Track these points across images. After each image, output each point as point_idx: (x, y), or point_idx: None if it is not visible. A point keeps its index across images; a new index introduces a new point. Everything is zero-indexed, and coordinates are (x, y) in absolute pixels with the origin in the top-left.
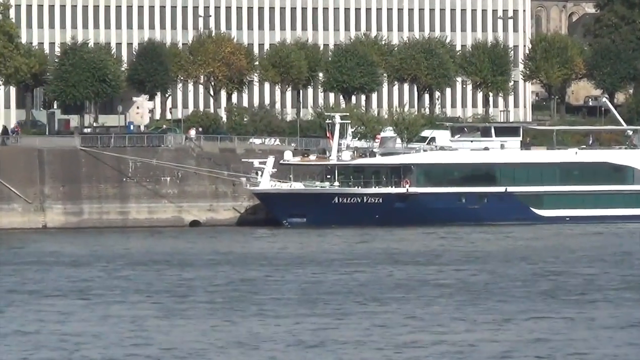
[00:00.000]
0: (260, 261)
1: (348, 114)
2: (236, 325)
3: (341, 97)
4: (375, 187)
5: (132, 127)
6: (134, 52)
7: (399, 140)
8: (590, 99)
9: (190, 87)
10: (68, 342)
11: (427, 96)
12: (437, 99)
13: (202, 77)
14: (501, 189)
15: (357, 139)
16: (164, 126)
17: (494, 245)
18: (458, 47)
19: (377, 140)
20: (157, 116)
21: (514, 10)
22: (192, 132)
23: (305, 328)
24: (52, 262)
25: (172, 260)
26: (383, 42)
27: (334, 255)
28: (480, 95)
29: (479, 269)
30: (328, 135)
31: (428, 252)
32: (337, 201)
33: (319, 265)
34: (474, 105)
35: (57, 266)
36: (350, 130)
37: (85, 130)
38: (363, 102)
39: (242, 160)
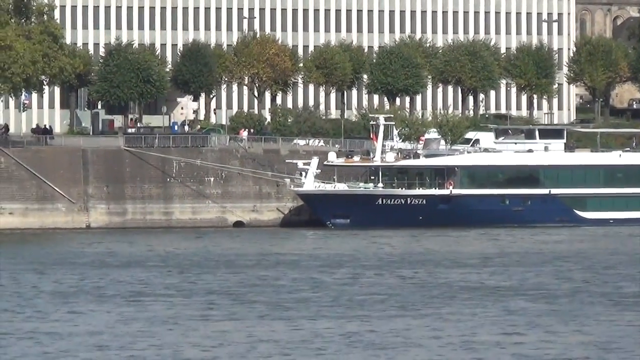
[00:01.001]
0: (318, 262)
1: (392, 115)
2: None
3: (385, 98)
4: (418, 188)
5: (176, 127)
6: (179, 53)
7: (442, 142)
8: (634, 102)
9: (235, 88)
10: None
11: (471, 98)
12: (482, 101)
13: (246, 78)
14: (545, 191)
15: (401, 140)
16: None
17: (567, 245)
18: (502, 50)
19: (421, 142)
20: (202, 116)
21: (558, 14)
22: (244, 134)
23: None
24: (111, 263)
25: (236, 261)
26: (427, 45)
27: (400, 257)
28: (524, 98)
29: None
30: (372, 136)
31: (499, 254)
32: (380, 202)
33: (387, 267)
34: (518, 107)
35: (117, 268)
36: (394, 132)
37: (129, 130)
38: (407, 104)
39: (286, 161)
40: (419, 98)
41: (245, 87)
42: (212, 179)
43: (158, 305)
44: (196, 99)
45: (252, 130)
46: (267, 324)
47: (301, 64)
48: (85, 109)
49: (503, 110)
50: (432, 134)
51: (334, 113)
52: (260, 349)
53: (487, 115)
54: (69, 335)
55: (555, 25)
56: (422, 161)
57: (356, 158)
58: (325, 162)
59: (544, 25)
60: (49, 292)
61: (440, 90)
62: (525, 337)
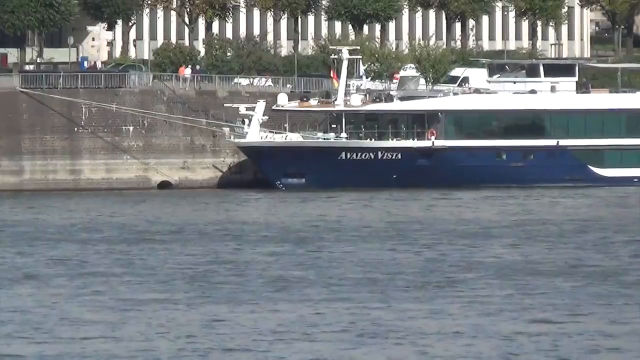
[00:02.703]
0: (283, 233)
1: (358, 47)
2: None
3: (350, 26)
4: (392, 139)
5: (86, 63)
6: None
7: (422, 80)
8: None
9: (160, 14)
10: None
11: (458, 26)
12: (471, 30)
13: (174, 1)
14: (552, 142)
15: (369, 79)
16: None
17: (591, 210)
18: None
19: (395, 81)
20: (118, 50)
21: None
22: (187, 71)
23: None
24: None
25: (164, 231)
26: None
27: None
28: (525, 25)
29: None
30: (333, 74)
31: (512, 222)
32: (344, 157)
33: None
34: (518, 37)
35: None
36: (361, 68)
37: (27, 67)
38: (378, 33)
39: (225, 105)
40: (392, 26)
41: (173, 13)
42: (131, 128)
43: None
44: (111, 27)
45: (197, 67)
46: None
47: None
48: None
49: (499, 41)
50: (409, 70)
51: (285, 45)
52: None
53: (478, 48)
54: None
55: None
56: (397, 105)
57: (313, 101)
58: (274, 107)
59: None
60: None
61: (419, 15)
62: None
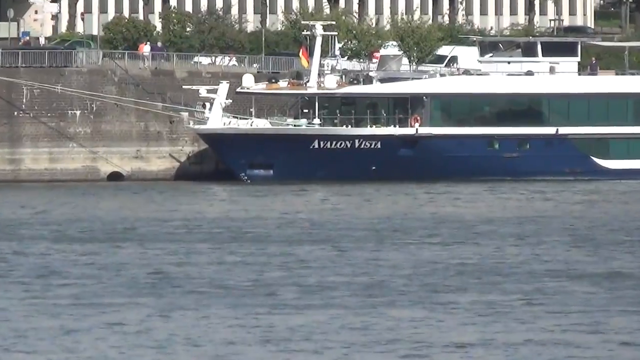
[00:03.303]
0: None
1: (334, 22)
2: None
3: None
4: (371, 126)
5: (27, 39)
6: None
7: (405, 60)
8: None
9: None
10: None
11: None
12: (461, 3)
13: None
14: (550, 130)
15: (346, 58)
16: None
17: (609, 206)
18: None
19: (374, 61)
20: (64, 25)
21: None
22: (146, 49)
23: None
24: None
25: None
26: None
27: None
28: None
29: None
30: (304, 53)
31: (521, 218)
32: (317, 146)
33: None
34: (513, 12)
35: None
36: (337, 46)
37: None
38: (355, 7)
39: (184, 87)
40: None
41: None
42: (77, 112)
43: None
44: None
45: (159, 44)
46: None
47: None
48: None
49: (491, 17)
50: (391, 49)
51: (251, 20)
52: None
53: (468, 24)
54: None
55: None
56: (376, 88)
57: (282, 83)
58: (238, 89)
59: None
60: None
61: None
62: None
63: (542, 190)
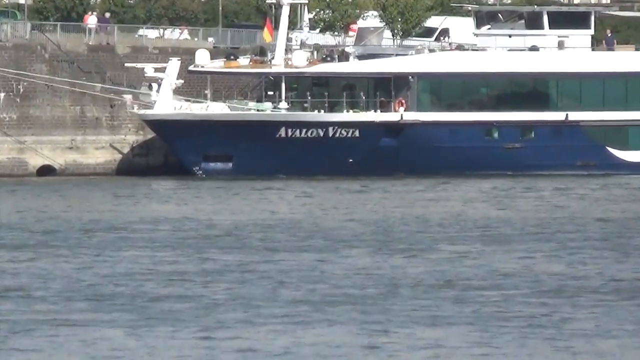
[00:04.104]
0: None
1: None
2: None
3: None
4: (347, 111)
5: None
6: None
7: (387, 33)
8: None
9: None
10: None
11: None
12: None
13: None
14: (559, 116)
15: (318, 31)
16: None
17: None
18: None
19: (351, 34)
20: None
21: None
22: (92, 20)
23: None
24: None
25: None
26: None
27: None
28: None
29: None
30: (269, 25)
31: (539, 220)
32: (284, 135)
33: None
34: None
35: None
36: (307, 17)
37: None
38: None
39: (126, 65)
40: None
41: None
42: (1, 95)
43: None
44: None
45: (107, 15)
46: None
47: None
48: None
49: None
50: (371, 20)
51: None
52: None
53: None
54: None
55: None
56: (354, 66)
57: (243, 60)
58: (191, 67)
59: None
60: None
61: None
62: None
63: (560, 187)
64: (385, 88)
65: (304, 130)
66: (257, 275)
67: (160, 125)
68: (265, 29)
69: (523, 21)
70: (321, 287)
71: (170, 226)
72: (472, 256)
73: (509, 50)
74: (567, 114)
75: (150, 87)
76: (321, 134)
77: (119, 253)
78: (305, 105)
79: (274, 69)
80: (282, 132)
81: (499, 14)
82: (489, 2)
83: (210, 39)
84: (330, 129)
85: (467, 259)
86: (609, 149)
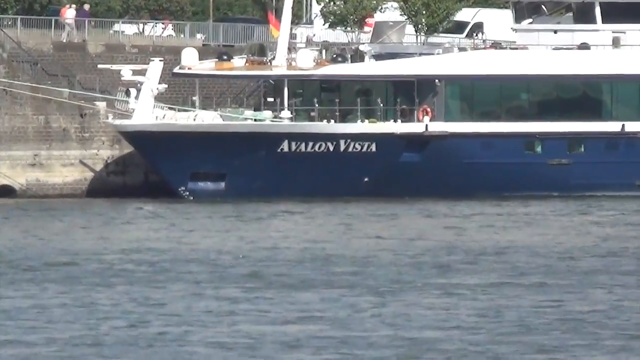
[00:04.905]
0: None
1: None
2: None
3: None
4: (362, 121)
5: None
6: None
7: (410, 29)
8: None
9: None
10: None
11: None
12: None
13: None
14: (614, 126)
15: (327, 25)
16: None
17: None
18: None
19: (367, 29)
20: None
21: None
22: (70, 13)
23: None
24: None
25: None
26: None
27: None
28: None
29: None
30: (270, 18)
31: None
32: (286, 149)
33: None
34: None
35: None
36: (315, 9)
37: None
38: None
39: (99, 66)
40: None
41: None
42: None
43: None
44: None
45: (86, 7)
46: None
47: None
48: None
49: None
50: (390, 13)
51: None
52: None
53: None
54: None
55: None
56: (370, 67)
57: (238, 61)
58: (176, 69)
59: None
60: None
61: None
62: None
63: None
64: (407, 94)
65: (311, 144)
66: None
67: (139, 138)
68: (270, 24)
69: (571, 14)
70: None
71: (149, 260)
72: None
73: (554, 48)
74: (623, 125)
75: (127, 93)
76: (331, 148)
77: (70, 291)
78: (312, 114)
79: (274, 71)
80: (285, 146)
81: (543, 6)
82: None
83: (199, 36)
84: (342, 142)
85: None
86: None
